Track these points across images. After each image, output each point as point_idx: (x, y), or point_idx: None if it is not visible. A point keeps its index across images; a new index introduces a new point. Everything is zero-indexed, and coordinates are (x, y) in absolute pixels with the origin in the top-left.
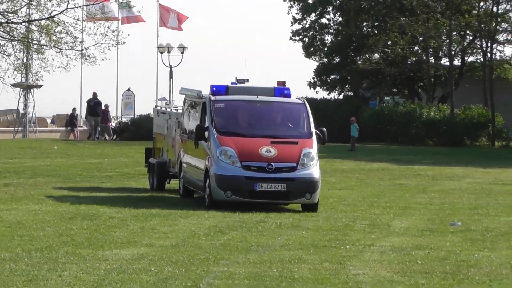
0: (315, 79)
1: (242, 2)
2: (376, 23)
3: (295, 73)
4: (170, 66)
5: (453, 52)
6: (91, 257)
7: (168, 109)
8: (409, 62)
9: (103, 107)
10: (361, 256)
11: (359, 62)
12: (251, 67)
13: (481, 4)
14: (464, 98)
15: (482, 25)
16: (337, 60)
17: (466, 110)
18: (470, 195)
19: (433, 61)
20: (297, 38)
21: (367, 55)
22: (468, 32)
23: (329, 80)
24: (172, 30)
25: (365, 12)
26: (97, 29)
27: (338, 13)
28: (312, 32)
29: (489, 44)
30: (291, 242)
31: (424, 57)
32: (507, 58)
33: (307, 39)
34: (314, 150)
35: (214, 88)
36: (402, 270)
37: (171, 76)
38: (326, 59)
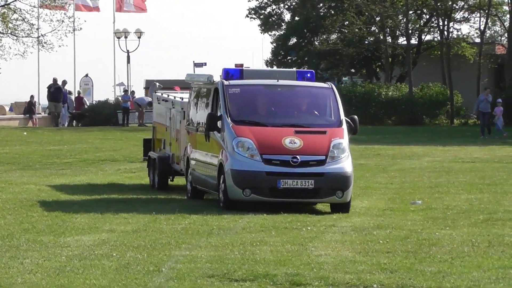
0: (272, 59)
1: None
2: (332, 4)
3: (253, 53)
4: (128, 51)
5: (410, 31)
6: (53, 244)
7: (172, 97)
8: (366, 42)
9: (76, 94)
10: (323, 237)
11: (316, 43)
12: (210, 49)
13: None
14: (422, 76)
15: (439, 4)
16: (294, 40)
17: (425, 89)
18: (430, 173)
19: (390, 40)
20: (253, 16)
21: (324, 36)
22: (424, 10)
23: (286, 61)
24: (129, 14)
25: None
26: (54, 15)
27: None
28: (269, 10)
29: (446, 23)
30: (253, 225)
31: (382, 37)
32: (464, 36)
33: (264, 15)
34: (345, 141)
35: (227, 72)
36: (364, 250)
37: (128, 61)
38: (283, 39)
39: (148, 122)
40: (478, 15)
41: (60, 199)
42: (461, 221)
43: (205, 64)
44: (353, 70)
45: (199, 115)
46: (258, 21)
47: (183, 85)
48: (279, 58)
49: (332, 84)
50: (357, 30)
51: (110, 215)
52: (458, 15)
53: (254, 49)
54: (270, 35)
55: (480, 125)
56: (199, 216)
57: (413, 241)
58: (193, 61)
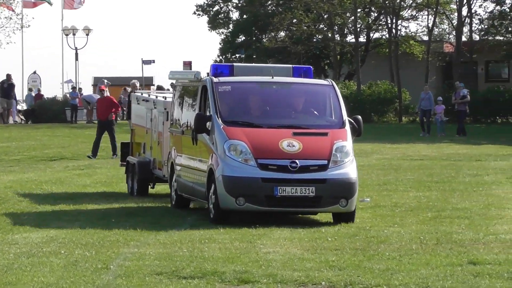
0: (220, 57)
1: None
2: (281, 1)
3: (201, 51)
4: (76, 48)
5: (358, 29)
6: (0, 241)
7: (153, 96)
8: (315, 40)
9: (36, 91)
10: (271, 234)
11: (265, 40)
12: (158, 46)
13: None
14: (370, 74)
15: (387, 2)
16: (242, 38)
17: (373, 87)
18: (378, 171)
19: (338, 38)
20: (201, 12)
21: (272, 33)
22: (373, 8)
23: (234, 58)
24: (78, 12)
25: None
26: (1, 12)
27: None
28: (217, 8)
29: (394, 21)
30: (201, 222)
31: (330, 35)
32: (412, 34)
33: (211, 13)
34: (348, 143)
35: (216, 68)
36: (312, 248)
37: (76, 59)
38: (231, 36)
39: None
40: (426, 13)
41: (8, 196)
42: (410, 219)
43: (154, 61)
44: None
45: (185, 116)
46: (206, 18)
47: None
48: (227, 55)
49: (332, 81)
50: (305, 28)
51: (58, 212)
52: (406, 13)
53: (203, 46)
54: (218, 33)
55: (420, 122)
56: (148, 215)
57: (361, 238)
58: (142, 59)
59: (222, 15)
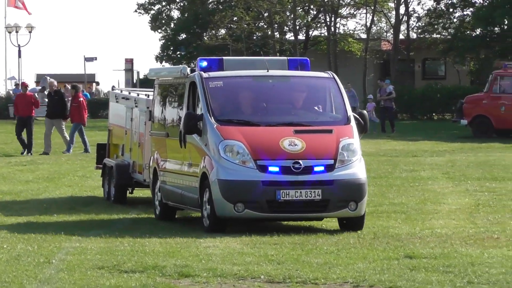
0: (162, 54)
1: None
2: (221, 3)
3: (142, 48)
4: (19, 46)
5: (297, 27)
6: None
7: (134, 94)
8: (254, 38)
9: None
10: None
11: (206, 38)
12: (100, 44)
13: None
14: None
15: (326, 0)
16: (183, 36)
17: None
18: None
19: (278, 36)
20: (142, 11)
21: (213, 31)
22: (312, 6)
23: (175, 56)
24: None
25: None
26: None
27: None
28: (158, 6)
29: (332, 19)
30: (143, 217)
31: (270, 32)
32: (350, 32)
33: (153, 12)
34: (356, 141)
35: (204, 63)
36: (251, 242)
37: (19, 56)
38: (172, 35)
39: (40, 116)
40: (365, 11)
41: None
42: None
43: (96, 58)
44: None
45: (170, 116)
46: (147, 17)
47: (75, 79)
48: (169, 53)
49: (333, 74)
50: (245, 25)
51: (1, 208)
52: (344, 11)
53: (144, 43)
54: (159, 32)
55: None
56: (89, 209)
57: (300, 233)
58: (84, 56)
59: (163, 14)
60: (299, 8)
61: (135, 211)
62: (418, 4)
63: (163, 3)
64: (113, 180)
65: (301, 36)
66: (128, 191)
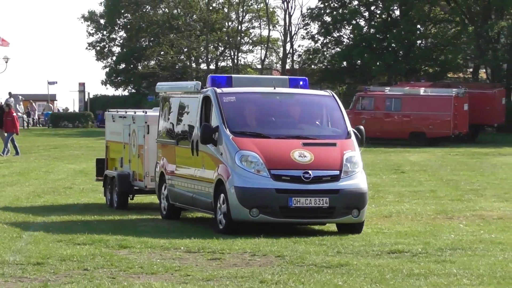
0: (106, 80)
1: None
2: (152, 38)
3: (92, 74)
4: None
5: (209, 59)
6: None
7: (131, 113)
8: (177, 67)
9: None
10: (145, 212)
11: (140, 68)
12: (60, 70)
13: (229, 23)
14: None
15: (230, 39)
16: (123, 65)
17: None
18: None
19: (194, 66)
20: (91, 48)
21: (145, 62)
22: (220, 44)
23: (117, 80)
24: None
25: (144, 30)
26: None
27: (123, 31)
28: (103, 44)
29: (236, 53)
30: (94, 204)
31: (188, 63)
32: (249, 63)
33: (99, 48)
34: (357, 153)
35: (214, 80)
36: (176, 223)
37: None
38: (114, 65)
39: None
40: (260, 48)
41: None
42: None
43: (56, 82)
44: None
45: (180, 127)
46: (94, 52)
47: (41, 98)
48: (112, 78)
49: (332, 92)
50: (170, 58)
51: None
52: (245, 48)
53: (93, 70)
54: (103, 62)
55: None
56: (51, 196)
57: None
58: (47, 80)
59: (106, 49)
60: (210, 45)
61: (86, 198)
62: (299, 45)
63: (107, 41)
64: (116, 189)
65: (212, 66)
66: (129, 198)
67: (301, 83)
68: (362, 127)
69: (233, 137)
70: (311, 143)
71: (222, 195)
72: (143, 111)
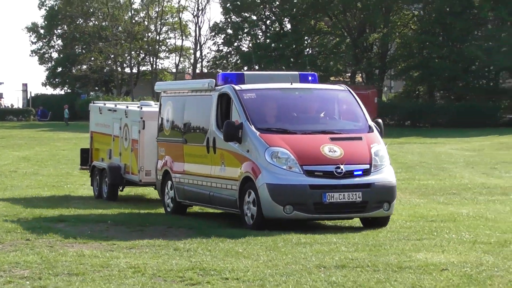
0: (46, 81)
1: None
2: (84, 46)
3: (34, 76)
4: None
5: (132, 64)
6: None
7: (122, 106)
8: (105, 71)
9: None
10: (79, 191)
11: (74, 71)
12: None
13: (149, 34)
14: (140, 92)
15: (150, 47)
16: (60, 69)
17: (141, 100)
18: None
19: (120, 70)
20: (34, 54)
21: (79, 66)
22: (141, 51)
23: (55, 82)
24: None
25: (77, 39)
26: None
27: (60, 40)
28: (43, 51)
29: (154, 59)
30: (34, 183)
31: (114, 68)
32: (166, 68)
33: (40, 54)
34: (383, 147)
35: (226, 77)
36: (105, 202)
37: None
38: (53, 69)
39: None
40: (174, 55)
41: None
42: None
43: (3, 83)
44: (96, 88)
45: (189, 125)
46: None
47: None
48: (51, 80)
49: (347, 86)
50: (99, 63)
51: None
52: (162, 55)
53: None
54: (44, 66)
55: None
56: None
57: (136, 194)
58: None
59: (47, 55)
60: (133, 52)
61: (30, 179)
62: (208, 51)
63: (46, 48)
64: (105, 180)
65: (135, 70)
66: (119, 189)
67: (310, 78)
68: (380, 120)
69: (260, 133)
70: (338, 138)
71: (250, 192)
72: (137, 106)
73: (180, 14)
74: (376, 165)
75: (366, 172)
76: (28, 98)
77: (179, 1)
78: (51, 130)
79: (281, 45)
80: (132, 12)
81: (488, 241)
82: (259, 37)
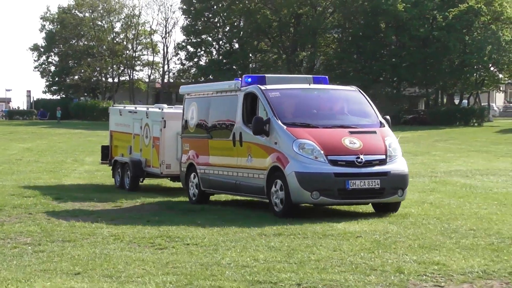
0: (46, 89)
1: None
2: (76, 61)
3: (21, 83)
4: None
5: (114, 76)
6: None
7: (143, 108)
8: (92, 81)
9: None
10: (65, 180)
11: (68, 81)
12: (14, 83)
13: (127, 51)
14: (122, 98)
15: (128, 62)
16: (56, 79)
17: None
18: None
19: (104, 80)
20: (36, 69)
21: (71, 77)
22: (121, 65)
23: (52, 90)
24: None
25: (70, 55)
26: None
27: (56, 56)
28: (43, 66)
29: (131, 71)
30: (36, 169)
31: (100, 78)
32: (140, 78)
33: (42, 69)
34: (396, 140)
35: (249, 79)
36: (81, 185)
37: None
38: (51, 77)
39: None
40: (147, 68)
41: None
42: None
43: (11, 89)
44: (85, 94)
45: (214, 122)
46: (38, 72)
47: (0, 100)
48: (50, 88)
49: (357, 88)
50: (88, 74)
51: None
52: (137, 68)
53: (23, 80)
54: (45, 75)
55: None
56: (7, 165)
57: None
58: (5, 88)
59: (47, 68)
60: (114, 66)
61: (31, 167)
62: (174, 66)
63: (46, 63)
64: (127, 173)
65: (116, 80)
66: (140, 181)
67: (322, 81)
68: (388, 117)
69: (287, 127)
70: (356, 131)
71: (278, 181)
72: (158, 108)
73: (152, 36)
74: (391, 155)
75: (382, 162)
76: (31, 102)
77: (151, 26)
78: (49, 127)
79: (230, 61)
80: (114, 34)
81: (392, 214)
82: (213, 54)
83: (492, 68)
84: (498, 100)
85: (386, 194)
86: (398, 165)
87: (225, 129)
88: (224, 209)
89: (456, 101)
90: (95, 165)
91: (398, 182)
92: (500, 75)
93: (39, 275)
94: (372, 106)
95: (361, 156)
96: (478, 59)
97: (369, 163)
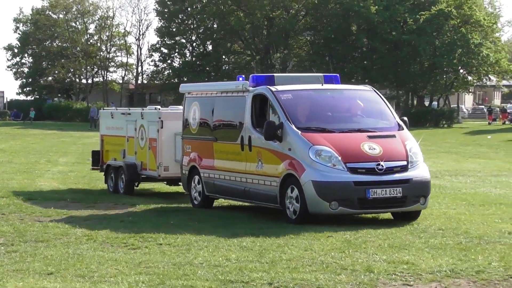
0: (19, 90)
1: None
2: (50, 62)
3: (9, 85)
4: None
5: (88, 77)
6: None
7: (137, 110)
8: (66, 81)
9: None
10: (45, 175)
11: (41, 82)
12: None
13: (101, 53)
14: (95, 99)
15: (101, 63)
16: (30, 80)
17: (91, 106)
18: None
19: (78, 81)
20: (9, 69)
21: (45, 78)
22: (95, 66)
23: (26, 90)
24: None
25: (44, 56)
26: None
27: (30, 57)
28: (17, 66)
29: (105, 72)
30: (7, 169)
31: (74, 79)
32: (114, 79)
33: (15, 70)
34: (416, 144)
35: (256, 79)
36: (63, 183)
37: None
38: (25, 78)
39: None
40: (121, 69)
41: None
42: None
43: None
44: (59, 95)
45: (219, 124)
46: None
47: None
48: (23, 89)
49: (372, 87)
50: (61, 75)
51: None
52: (111, 69)
53: (11, 83)
54: (19, 76)
55: None
56: None
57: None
58: None
59: (20, 69)
60: (88, 67)
61: (2, 168)
62: (147, 67)
63: (20, 64)
64: (122, 177)
65: (90, 81)
66: (135, 185)
67: (334, 80)
68: (405, 118)
69: (302, 132)
70: (375, 136)
71: (294, 188)
72: (154, 108)
73: (126, 37)
74: (412, 161)
75: (404, 169)
76: (5, 102)
77: (125, 28)
78: (23, 128)
79: (204, 62)
80: (88, 35)
81: (363, 216)
82: (187, 56)
83: (461, 71)
84: (467, 102)
85: (408, 203)
86: (420, 171)
87: (232, 132)
88: (197, 209)
89: (426, 103)
90: (69, 165)
91: (420, 190)
92: (469, 78)
93: (12, 275)
94: (389, 107)
95: (382, 163)
96: (448, 62)
97: (390, 170)
